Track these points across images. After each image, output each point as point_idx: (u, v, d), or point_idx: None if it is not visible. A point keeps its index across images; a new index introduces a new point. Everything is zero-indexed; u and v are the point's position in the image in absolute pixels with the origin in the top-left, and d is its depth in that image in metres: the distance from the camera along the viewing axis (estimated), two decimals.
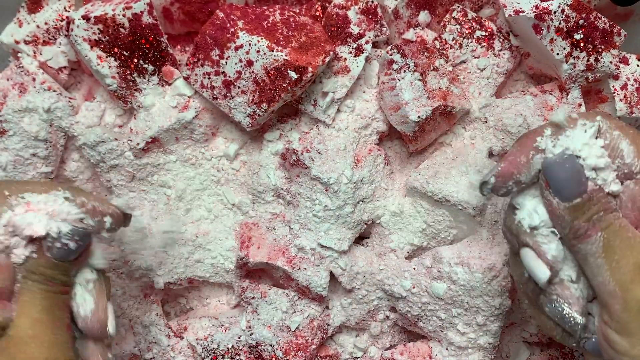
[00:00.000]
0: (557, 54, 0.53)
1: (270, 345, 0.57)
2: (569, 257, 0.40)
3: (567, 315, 0.40)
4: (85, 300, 0.42)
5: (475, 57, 0.56)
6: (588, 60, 0.53)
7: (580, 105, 0.55)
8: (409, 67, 0.53)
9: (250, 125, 0.53)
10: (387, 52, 0.53)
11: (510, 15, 0.53)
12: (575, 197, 0.38)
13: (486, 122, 0.57)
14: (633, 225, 0.39)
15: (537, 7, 0.52)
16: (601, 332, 0.39)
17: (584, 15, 0.52)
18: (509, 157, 0.42)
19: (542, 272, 0.40)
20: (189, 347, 0.58)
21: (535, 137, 0.41)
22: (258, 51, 0.50)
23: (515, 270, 0.44)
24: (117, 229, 0.44)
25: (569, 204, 0.39)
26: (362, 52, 0.54)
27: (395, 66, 0.53)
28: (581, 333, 0.40)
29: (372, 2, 0.55)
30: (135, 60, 0.53)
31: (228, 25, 0.51)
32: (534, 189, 0.42)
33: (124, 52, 0.52)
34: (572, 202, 0.39)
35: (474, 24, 0.56)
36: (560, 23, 0.52)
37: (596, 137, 0.40)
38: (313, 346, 0.58)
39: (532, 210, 0.41)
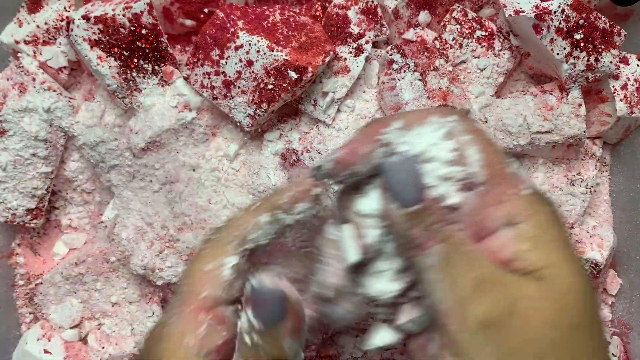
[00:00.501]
0: (557, 53, 0.53)
1: None
2: (390, 257, 0.38)
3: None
4: None
5: (475, 57, 0.56)
6: (588, 60, 0.53)
7: (580, 105, 0.55)
8: (409, 67, 0.53)
9: (250, 125, 0.53)
10: (387, 52, 0.53)
11: (510, 15, 0.53)
12: (413, 203, 0.35)
13: (486, 122, 0.57)
14: (476, 237, 0.35)
15: (537, 7, 0.52)
16: (437, 358, 0.35)
17: (584, 15, 0.52)
18: (351, 144, 0.38)
19: (353, 254, 0.37)
20: None
21: (380, 129, 0.37)
22: (258, 51, 0.50)
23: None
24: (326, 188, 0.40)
25: (406, 211, 0.35)
26: (362, 52, 0.54)
27: (395, 66, 0.53)
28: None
29: (372, 2, 0.55)
30: (135, 60, 0.53)
31: (228, 25, 0.51)
32: (371, 191, 0.39)
33: (124, 52, 0.52)
34: (410, 209, 0.35)
35: (474, 23, 0.56)
36: (560, 23, 0.52)
37: (446, 139, 0.36)
38: (313, 346, 0.58)
39: (370, 199, 0.38)
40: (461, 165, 0.36)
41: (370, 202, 0.38)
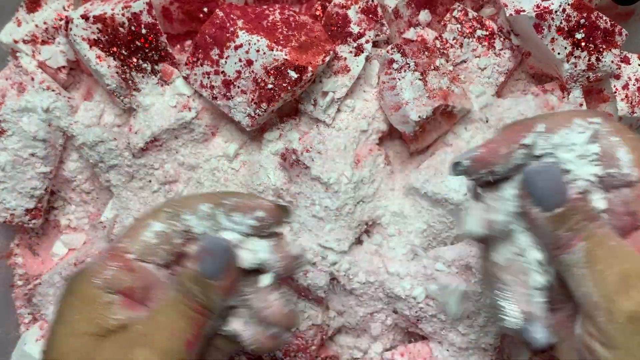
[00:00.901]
0: (558, 53, 0.52)
1: None
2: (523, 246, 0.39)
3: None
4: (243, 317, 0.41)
5: (476, 57, 0.56)
6: (589, 60, 0.53)
7: (581, 104, 0.54)
8: (409, 67, 0.53)
9: (250, 125, 0.53)
10: (388, 52, 0.53)
11: (511, 14, 0.53)
12: (556, 207, 0.36)
13: (487, 121, 0.57)
14: (623, 231, 0.38)
15: (538, 7, 0.52)
16: (584, 344, 0.37)
17: (585, 15, 0.52)
18: (490, 144, 0.40)
19: (476, 225, 0.39)
20: None
21: (523, 132, 0.39)
22: (258, 50, 0.50)
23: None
24: (274, 223, 0.42)
25: (550, 214, 0.37)
26: (362, 52, 0.54)
27: (395, 65, 0.53)
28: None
29: (372, 1, 0.55)
30: (135, 60, 0.53)
31: (228, 24, 0.50)
32: (508, 188, 0.40)
33: (123, 52, 0.52)
34: (553, 212, 0.37)
35: (474, 23, 0.56)
36: (561, 22, 0.52)
37: (592, 142, 0.38)
38: (313, 347, 0.58)
39: (506, 194, 0.39)
40: (610, 167, 0.37)
41: (505, 198, 0.39)
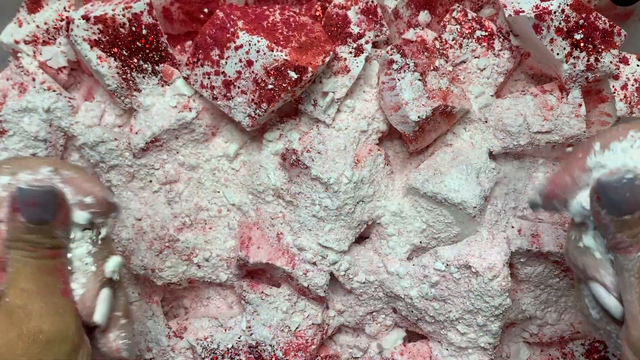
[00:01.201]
0: (557, 54, 0.53)
1: (270, 346, 0.57)
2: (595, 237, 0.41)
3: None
4: (78, 283, 0.42)
5: (475, 57, 0.56)
6: (588, 60, 0.53)
7: (580, 105, 0.55)
8: (409, 67, 0.53)
9: (250, 125, 0.53)
10: (387, 52, 0.53)
11: (510, 15, 0.53)
12: (626, 214, 0.38)
13: (486, 122, 0.57)
14: None
15: (537, 7, 0.52)
16: (622, 344, 0.39)
17: (584, 15, 0.52)
18: (555, 178, 0.42)
19: (615, 307, 0.40)
20: (188, 348, 0.58)
21: (585, 157, 0.40)
22: (258, 51, 0.50)
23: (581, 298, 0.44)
24: (100, 213, 0.43)
25: (617, 218, 0.38)
26: (362, 52, 0.54)
27: (395, 66, 0.53)
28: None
29: (372, 2, 0.55)
30: (135, 60, 0.53)
31: (228, 25, 0.51)
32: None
33: (124, 52, 0.52)
34: (621, 218, 0.38)
35: (474, 23, 0.56)
36: (560, 23, 0.52)
37: None
38: (313, 346, 0.58)
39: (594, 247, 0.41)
40: None
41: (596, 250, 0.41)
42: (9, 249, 0.39)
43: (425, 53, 0.55)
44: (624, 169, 0.38)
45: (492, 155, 0.57)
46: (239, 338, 0.58)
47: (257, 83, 0.51)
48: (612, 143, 0.40)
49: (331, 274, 0.57)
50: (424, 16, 0.58)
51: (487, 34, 0.56)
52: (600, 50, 0.53)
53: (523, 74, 0.59)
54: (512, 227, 0.57)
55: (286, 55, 0.50)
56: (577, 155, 0.41)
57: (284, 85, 0.50)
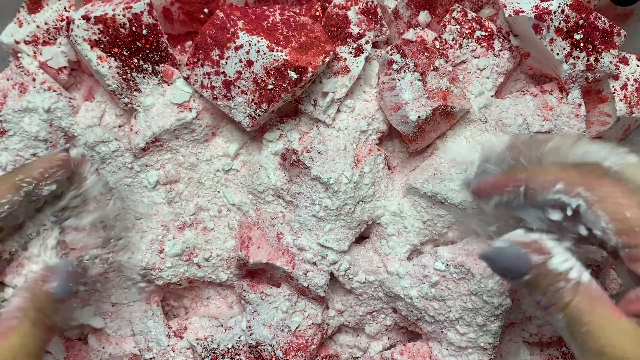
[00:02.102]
0: (557, 54, 0.53)
1: (270, 345, 0.57)
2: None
3: None
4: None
5: (475, 57, 0.56)
6: (588, 61, 0.53)
7: (580, 105, 0.55)
8: (409, 67, 0.53)
9: (250, 125, 0.53)
10: (387, 52, 0.53)
11: (510, 15, 0.53)
12: (523, 275, 0.38)
13: (486, 122, 0.57)
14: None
15: (537, 7, 0.52)
16: None
17: (583, 16, 0.52)
18: (495, 181, 0.42)
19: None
20: (189, 348, 0.58)
21: (515, 183, 0.40)
22: (258, 51, 0.50)
23: None
24: (70, 175, 0.45)
25: (519, 281, 0.38)
26: (362, 52, 0.54)
27: (395, 66, 0.53)
28: None
29: (372, 2, 0.55)
30: (135, 61, 0.53)
31: (228, 25, 0.51)
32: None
33: (124, 52, 0.52)
34: (523, 279, 0.38)
35: (474, 24, 0.56)
36: (560, 23, 0.52)
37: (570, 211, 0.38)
38: (313, 346, 0.58)
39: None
40: (580, 227, 0.38)
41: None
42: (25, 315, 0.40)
43: (425, 53, 0.55)
44: (500, 240, 0.39)
45: None
46: (239, 338, 0.58)
47: (257, 83, 0.51)
48: (540, 189, 0.39)
49: (331, 273, 0.57)
50: (424, 16, 0.58)
51: (487, 34, 0.56)
52: (600, 50, 0.53)
53: (523, 74, 0.59)
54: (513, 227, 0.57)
55: (286, 56, 0.50)
56: (516, 173, 0.41)
57: (284, 85, 0.50)
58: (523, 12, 0.52)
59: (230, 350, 0.58)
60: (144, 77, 0.54)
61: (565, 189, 0.38)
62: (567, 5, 0.52)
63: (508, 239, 0.39)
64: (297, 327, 0.57)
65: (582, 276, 0.37)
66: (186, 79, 0.54)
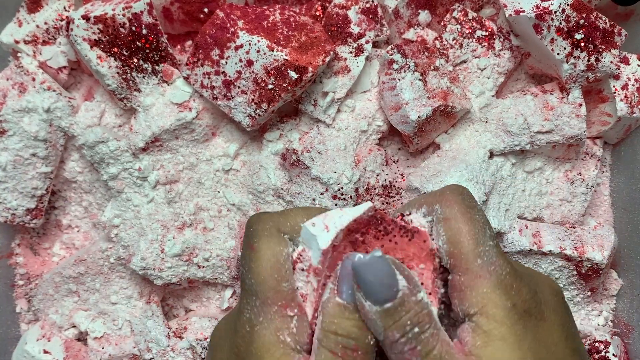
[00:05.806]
0: (558, 53, 0.53)
1: None
2: None
3: None
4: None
5: (475, 57, 0.56)
6: (589, 60, 0.53)
7: (580, 105, 0.55)
8: (409, 67, 0.53)
9: (250, 125, 0.53)
10: (388, 52, 0.53)
11: (510, 15, 0.53)
12: (386, 301, 0.33)
13: (486, 122, 0.57)
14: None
15: (537, 7, 0.52)
16: None
17: (584, 15, 0.52)
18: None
19: None
20: (188, 348, 0.58)
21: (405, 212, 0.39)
22: (258, 51, 0.50)
23: None
24: None
25: (380, 308, 0.33)
26: (363, 52, 0.54)
27: (395, 66, 0.53)
28: None
29: (373, 1, 0.55)
30: (135, 60, 0.53)
31: (228, 25, 0.51)
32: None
33: (124, 52, 0.52)
34: (383, 307, 0.33)
35: (474, 23, 0.56)
36: (560, 23, 0.52)
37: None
38: None
39: None
40: (450, 257, 0.37)
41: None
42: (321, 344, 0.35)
43: (426, 53, 0.55)
44: (377, 252, 0.34)
45: (492, 155, 0.57)
46: None
47: (257, 83, 0.51)
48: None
49: None
50: (424, 16, 0.58)
51: (487, 33, 0.56)
52: (600, 50, 0.53)
53: (523, 73, 0.59)
54: (513, 226, 0.57)
55: (286, 55, 0.50)
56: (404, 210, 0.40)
57: (284, 85, 0.50)
58: (524, 11, 0.52)
59: None
60: (143, 76, 0.54)
61: (427, 210, 0.39)
62: (568, 5, 0.52)
63: (380, 254, 0.34)
64: None
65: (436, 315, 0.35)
66: (186, 78, 0.54)
